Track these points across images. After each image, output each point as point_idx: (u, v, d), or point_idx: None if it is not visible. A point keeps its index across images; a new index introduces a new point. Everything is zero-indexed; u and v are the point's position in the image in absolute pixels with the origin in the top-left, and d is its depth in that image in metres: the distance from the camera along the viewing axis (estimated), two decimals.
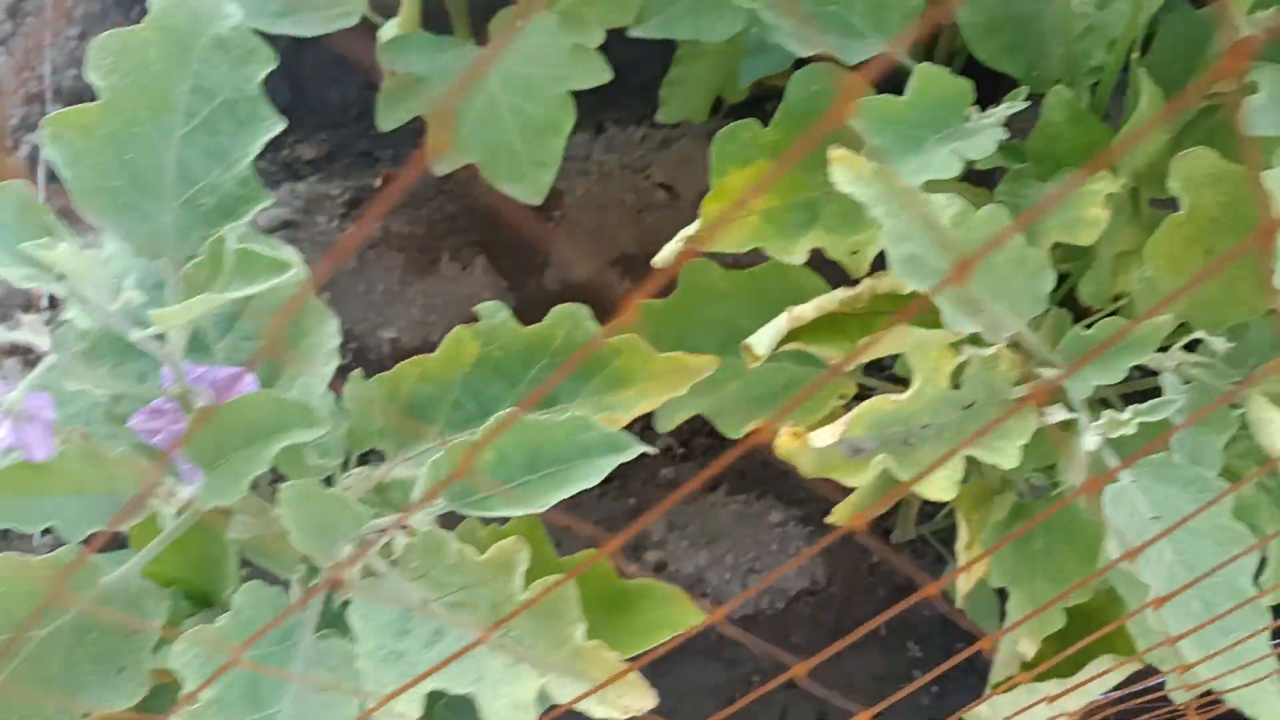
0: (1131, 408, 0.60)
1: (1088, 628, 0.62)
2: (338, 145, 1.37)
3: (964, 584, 0.80)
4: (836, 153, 0.60)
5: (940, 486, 0.55)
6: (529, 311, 1.36)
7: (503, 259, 1.30)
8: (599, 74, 0.94)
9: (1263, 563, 0.66)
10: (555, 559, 0.70)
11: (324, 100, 1.35)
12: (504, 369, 0.69)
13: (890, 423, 0.58)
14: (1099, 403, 0.73)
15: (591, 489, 0.58)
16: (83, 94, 1.40)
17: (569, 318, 0.68)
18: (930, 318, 0.60)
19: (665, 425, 0.89)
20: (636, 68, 1.13)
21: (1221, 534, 0.56)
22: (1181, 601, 0.54)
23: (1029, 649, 0.76)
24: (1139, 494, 0.58)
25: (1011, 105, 0.67)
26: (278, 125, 0.59)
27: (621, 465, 0.59)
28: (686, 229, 0.70)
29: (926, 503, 1.12)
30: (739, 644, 1.07)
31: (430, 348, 1.29)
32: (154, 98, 0.58)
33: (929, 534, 1.13)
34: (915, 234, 0.59)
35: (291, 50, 1.36)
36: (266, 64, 0.59)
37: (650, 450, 0.61)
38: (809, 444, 0.55)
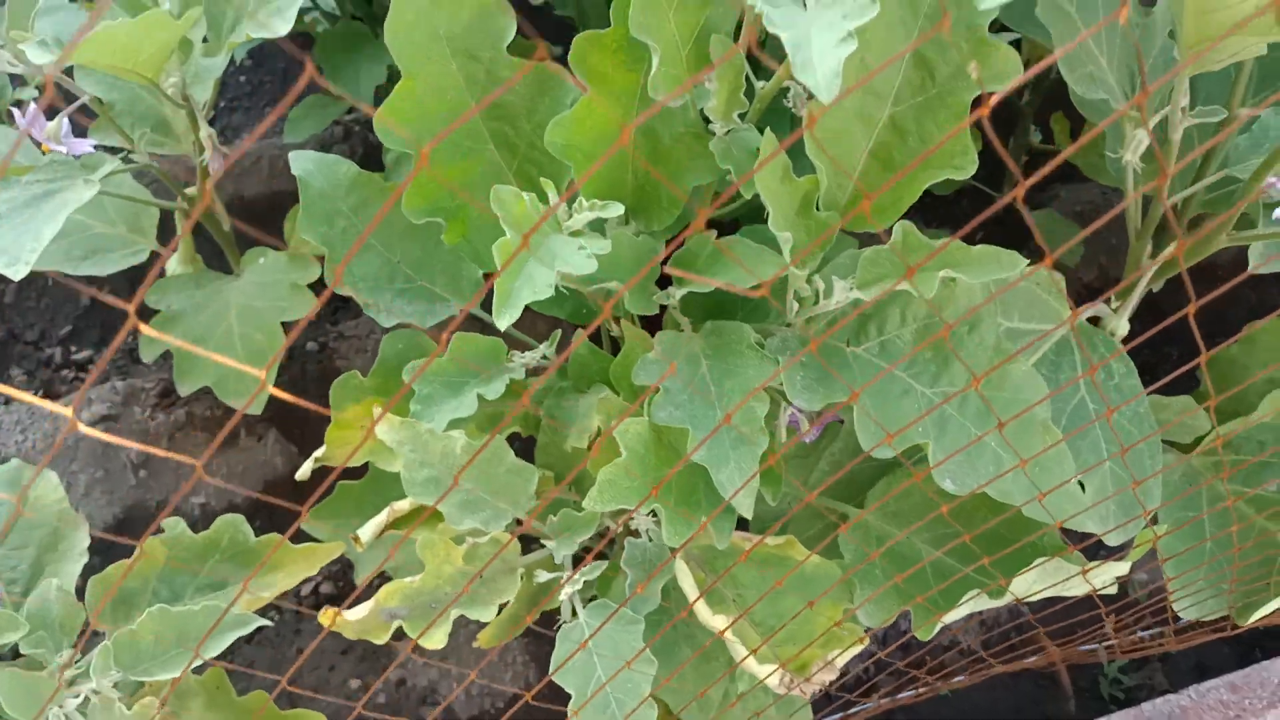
0: (589, 566, 0.88)
1: None
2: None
3: None
4: (379, 411, 0.88)
5: (435, 639, 0.82)
6: (321, 471, 1.62)
7: (292, 429, 1.57)
8: (305, 307, 1.22)
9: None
10: (234, 699, 0.96)
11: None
12: (188, 564, 0.95)
13: (417, 595, 0.85)
14: None
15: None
16: None
17: (231, 525, 0.95)
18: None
19: (360, 576, 1.16)
20: None
21: (630, 652, 0.83)
22: (599, 703, 0.81)
23: None
24: (586, 629, 0.85)
25: (536, 352, 0.96)
26: None
27: None
28: (317, 450, 0.98)
29: None
30: None
31: (236, 510, 1.55)
32: None
33: None
34: (434, 461, 0.87)
35: None
36: None
37: (268, 623, 0.88)
38: (346, 619, 0.81)
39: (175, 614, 0.85)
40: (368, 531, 0.93)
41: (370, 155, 1.87)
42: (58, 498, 1.04)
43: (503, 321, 0.73)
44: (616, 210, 0.80)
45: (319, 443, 1.60)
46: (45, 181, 1.11)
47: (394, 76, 1.62)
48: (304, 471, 0.97)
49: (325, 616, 0.81)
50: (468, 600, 0.85)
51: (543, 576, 0.88)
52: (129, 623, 0.96)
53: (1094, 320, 1.06)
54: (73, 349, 1.76)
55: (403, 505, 0.96)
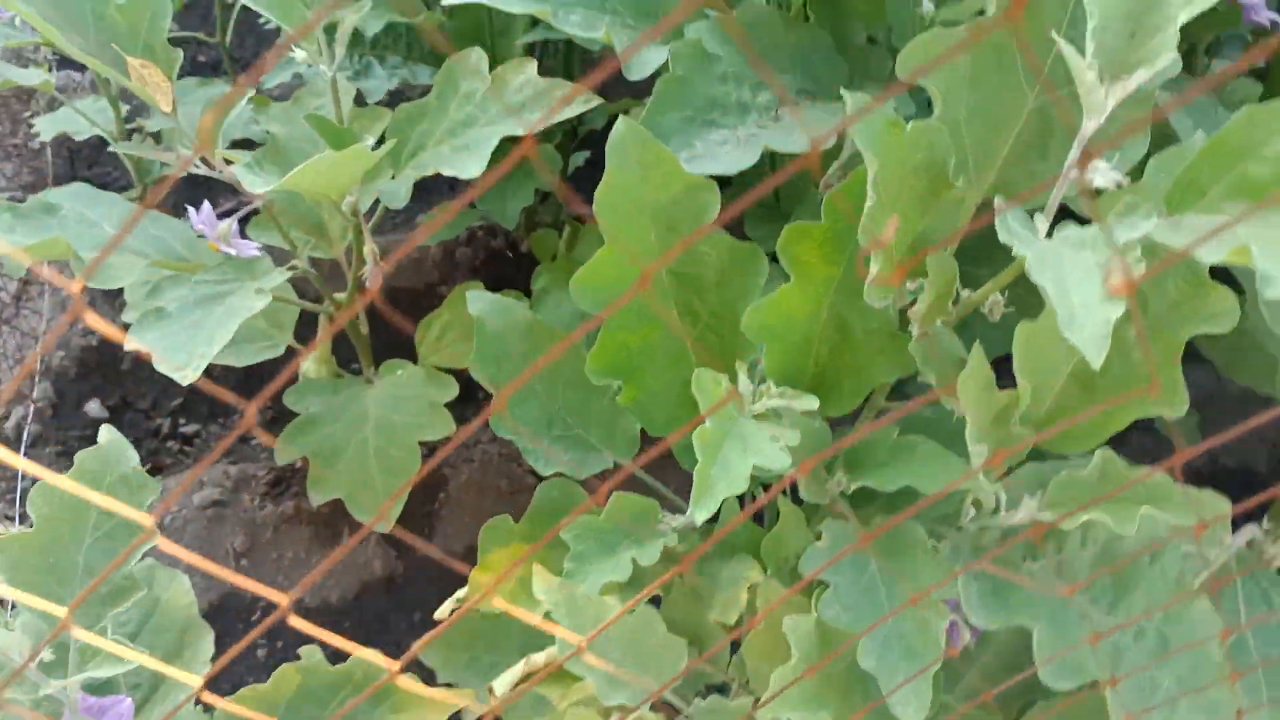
0: None
1: None
2: (264, 425, 1.67)
3: None
4: (537, 568, 0.88)
5: None
6: (415, 577, 1.61)
7: (393, 532, 1.56)
8: (445, 428, 1.23)
9: None
10: None
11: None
12: (317, 696, 0.94)
13: None
14: None
15: None
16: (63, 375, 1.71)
17: (363, 663, 0.94)
18: None
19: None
20: None
21: None
22: None
23: None
24: None
25: (681, 518, 0.95)
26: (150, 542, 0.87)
27: None
28: (459, 591, 0.97)
29: None
30: None
31: (329, 608, 1.55)
32: (74, 518, 0.86)
33: None
34: (587, 627, 0.86)
35: None
36: (153, 493, 0.88)
37: None
38: None
39: None
40: (503, 684, 0.92)
41: (491, 261, 1.90)
42: (188, 602, 1.04)
43: (701, 514, 0.73)
44: (811, 404, 0.79)
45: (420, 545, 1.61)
46: (215, 283, 1.13)
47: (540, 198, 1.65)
48: (443, 610, 0.96)
49: None
50: None
51: None
52: None
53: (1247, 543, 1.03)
54: (181, 421, 1.78)
55: (538, 659, 0.94)
